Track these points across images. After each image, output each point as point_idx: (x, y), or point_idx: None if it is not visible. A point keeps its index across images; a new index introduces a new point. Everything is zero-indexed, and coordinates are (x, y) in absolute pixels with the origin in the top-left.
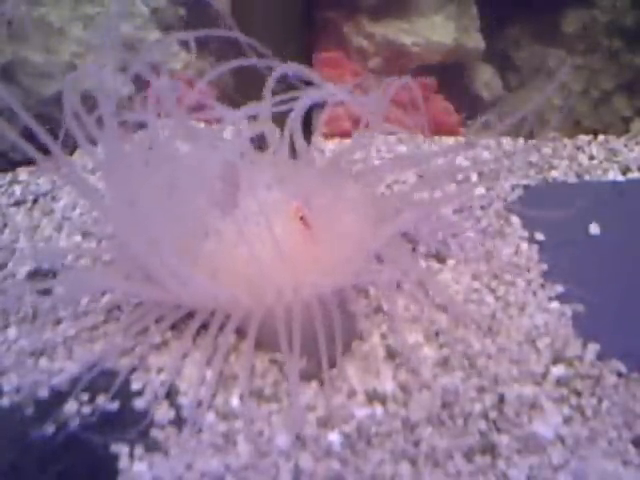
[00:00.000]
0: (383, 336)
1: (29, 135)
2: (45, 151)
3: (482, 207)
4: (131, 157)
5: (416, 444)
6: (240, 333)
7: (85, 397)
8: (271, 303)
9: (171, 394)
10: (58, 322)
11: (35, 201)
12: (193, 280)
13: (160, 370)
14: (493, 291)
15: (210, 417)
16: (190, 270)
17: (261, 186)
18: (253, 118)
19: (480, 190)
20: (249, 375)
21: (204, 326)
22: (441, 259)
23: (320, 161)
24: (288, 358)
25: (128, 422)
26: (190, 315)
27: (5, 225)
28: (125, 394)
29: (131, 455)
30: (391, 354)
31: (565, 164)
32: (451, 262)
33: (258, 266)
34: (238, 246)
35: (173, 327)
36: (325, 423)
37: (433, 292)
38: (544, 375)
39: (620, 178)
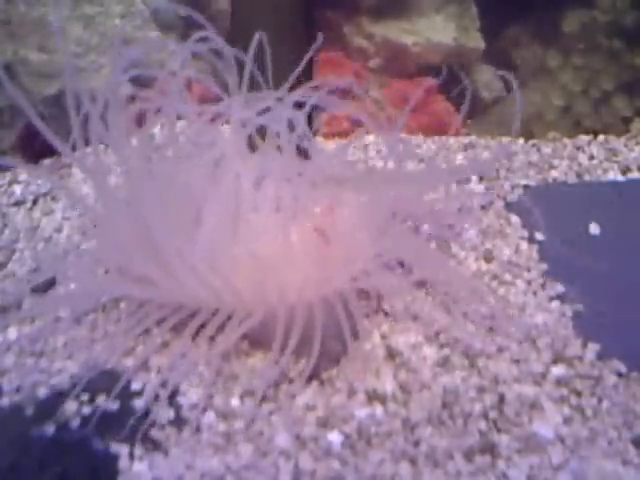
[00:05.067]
0: (383, 336)
1: (28, 136)
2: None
3: (482, 207)
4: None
5: (416, 444)
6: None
7: (85, 397)
8: (273, 303)
9: (171, 394)
10: (58, 322)
11: (35, 201)
12: (193, 277)
13: (160, 370)
14: (493, 291)
15: (210, 417)
16: (191, 267)
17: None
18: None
19: (480, 190)
20: (247, 375)
21: (205, 326)
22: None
23: (322, 162)
24: (280, 356)
25: (128, 422)
26: (191, 316)
27: (5, 225)
28: (125, 394)
29: (131, 455)
30: (391, 354)
31: (565, 164)
32: (451, 262)
33: (262, 265)
34: (243, 244)
35: (173, 327)
36: (325, 423)
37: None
38: (544, 375)
39: (620, 178)
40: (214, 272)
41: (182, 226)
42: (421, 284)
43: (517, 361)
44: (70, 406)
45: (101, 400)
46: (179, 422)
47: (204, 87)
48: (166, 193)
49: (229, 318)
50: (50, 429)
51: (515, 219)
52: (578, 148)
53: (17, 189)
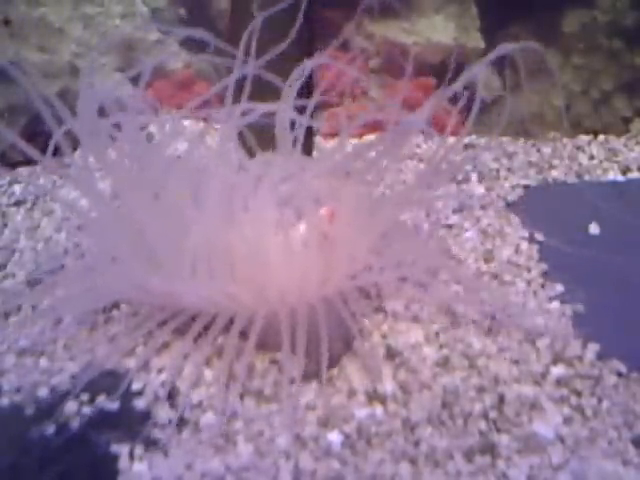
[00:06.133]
0: (383, 336)
1: (29, 135)
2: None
3: (482, 207)
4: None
5: (416, 444)
6: (242, 334)
7: (85, 397)
8: (274, 304)
9: (171, 394)
10: (58, 322)
11: (35, 201)
12: (192, 282)
13: (160, 370)
14: (494, 291)
15: (210, 417)
16: (190, 272)
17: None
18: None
19: (480, 190)
20: (248, 375)
21: (207, 327)
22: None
23: (321, 161)
24: (287, 358)
25: (128, 422)
26: (193, 318)
27: (5, 225)
28: (125, 394)
29: (131, 455)
30: (391, 354)
31: (565, 164)
32: (451, 262)
33: (262, 266)
34: (242, 245)
35: (175, 328)
36: (325, 423)
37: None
38: (544, 375)
39: (620, 178)
40: (212, 279)
41: (176, 228)
42: (421, 284)
43: (517, 361)
44: (70, 406)
45: (101, 400)
46: (179, 422)
47: (206, 86)
48: (158, 196)
49: (231, 320)
50: (50, 429)
51: (515, 219)
52: (578, 148)
53: (17, 189)
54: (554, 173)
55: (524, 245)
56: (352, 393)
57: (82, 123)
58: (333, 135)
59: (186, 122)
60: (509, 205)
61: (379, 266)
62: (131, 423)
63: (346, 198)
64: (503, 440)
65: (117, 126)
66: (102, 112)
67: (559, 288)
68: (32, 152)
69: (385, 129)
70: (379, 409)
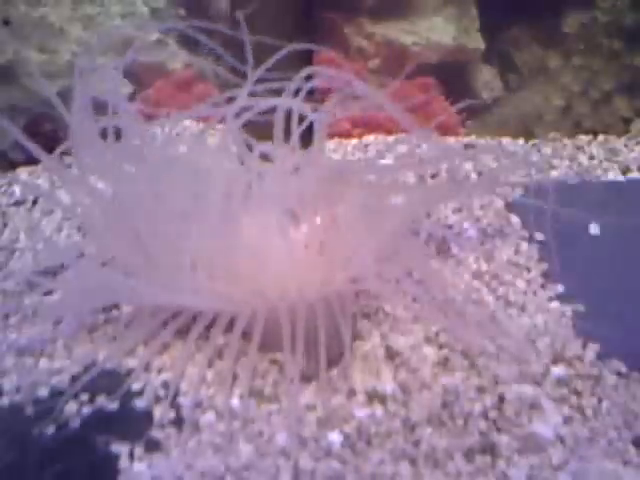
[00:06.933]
0: (383, 336)
1: (29, 136)
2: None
3: (482, 207)
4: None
5: (416, 444)
6: (242, 334)
7: (85, 397)
8: (274, 303)
9: (172, 394)
10: (58, 322)
11: (35, 201)
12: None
13: (161, 370)
14: (493, 291)
15: (210, 417)
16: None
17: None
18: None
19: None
20: (251, 376)
21: (208, 327)
22: (441, 259)
23: (322, 163)
24: (288, 358)
25: (128, 422)
26: (194, 318)
27: (5, 225)
28: (125, 394)
29: (131, 455)
30: (391, 354)
31: (565, 164)
32: (451, 262)
33: (262, 266)
34: (242, 245)
35: (176, 328)
36: (325, 423)
37: (435, 289)
38: (544, 375)
39: (620, 178)
40: (211, 280)
41: (176, 229)
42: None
43: (517, 361)
44: (70, 406)
45: (101, 400)
46: (179, 422)
47: (205, 87)
48: (157, 197)
49: (232, 320)
50: (50, 429)
51: (515, 219)
52: (578, 148)
53: (17, 189)
54: (554, 173)
55: (524, 245)
56: (352, 393)
57: (77, 124)
58: (332, 135)
59: (187, 122)
60: (509, 205)
61: (379, 271)
62: (131, 423)
63: (349, 200)
64: (503, 440)
65: (115, 127)
66: (100, 112)
67: (559, 288)
68: (35, 150)
69: (384, 130)
70: (379, 409)
